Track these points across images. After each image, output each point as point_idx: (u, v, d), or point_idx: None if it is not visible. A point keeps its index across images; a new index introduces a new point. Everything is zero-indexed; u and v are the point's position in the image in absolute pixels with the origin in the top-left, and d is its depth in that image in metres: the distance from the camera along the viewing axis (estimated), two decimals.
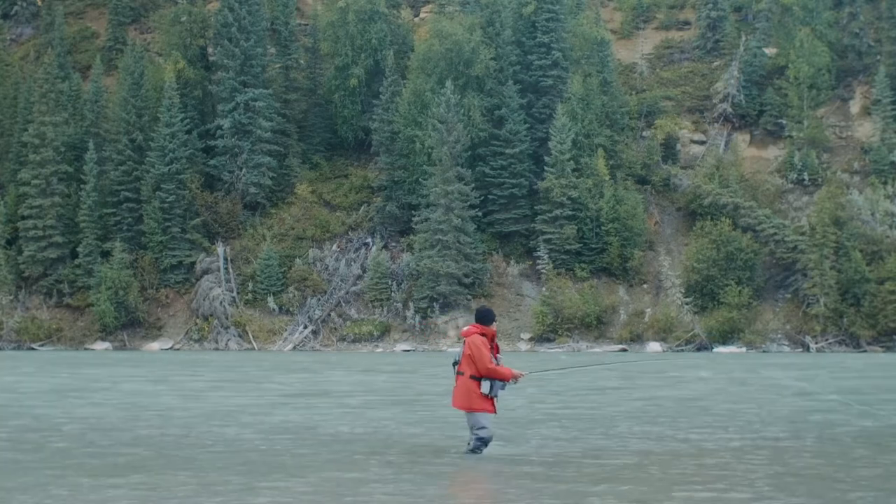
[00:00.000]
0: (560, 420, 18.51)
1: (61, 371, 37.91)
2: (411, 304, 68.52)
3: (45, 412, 19.99)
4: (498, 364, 13.28)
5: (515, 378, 13.37)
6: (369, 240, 73.56)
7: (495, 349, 13.47)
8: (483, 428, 13.31)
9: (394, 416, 19.11)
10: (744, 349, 63.94)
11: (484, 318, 13.56)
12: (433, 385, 28.45)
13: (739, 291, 65.28)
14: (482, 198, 70.42)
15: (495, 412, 13.45)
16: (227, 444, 14.78)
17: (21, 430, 16.61)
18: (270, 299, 69.86)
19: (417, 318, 68.01)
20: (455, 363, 13.46)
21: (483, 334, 13.38)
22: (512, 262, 71.27)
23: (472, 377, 13.22)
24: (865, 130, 75.05)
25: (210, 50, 79.14)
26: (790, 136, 74.26)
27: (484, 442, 13.35)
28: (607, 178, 70.82)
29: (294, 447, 14.49)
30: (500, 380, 13.24)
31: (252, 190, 73.64)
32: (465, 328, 13.61)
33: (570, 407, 21.60)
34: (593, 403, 22.82)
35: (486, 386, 13.19)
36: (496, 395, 13.28)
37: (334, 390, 27.22)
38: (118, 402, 22.63)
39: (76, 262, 72.03)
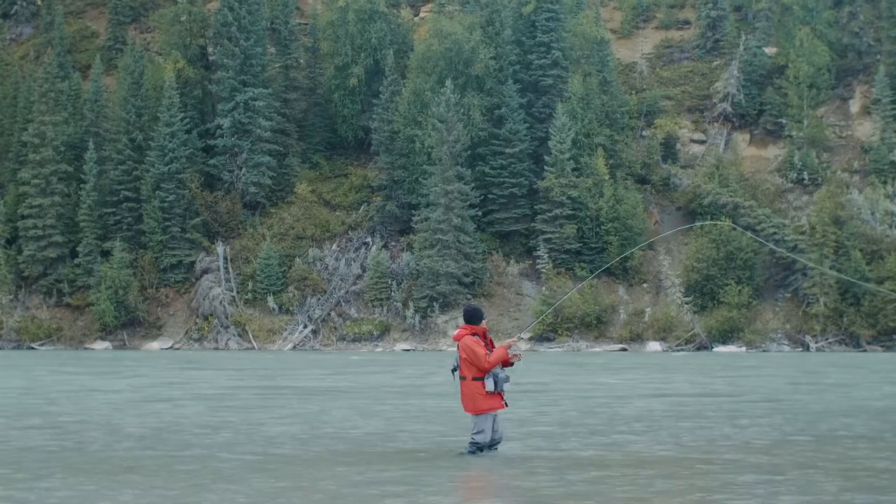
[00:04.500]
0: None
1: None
2: (411, 304, 68.46)
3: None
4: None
5: (516, 351, 13.45)
6: (369, 239, 73.52)
7: (490, 343, 13.51)
8: (480, 433, 13.37)
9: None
10: (743, 349, 63.92)
11: (472, 317, 13.59)
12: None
13: (739, 291, 65.24)
14: (482, 197, 70.38)
15: (505, 406, 13.49)
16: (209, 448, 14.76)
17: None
18: (270, 299, 69.82)
19: (417, 317, 67.97)
20: (454, 370, 13.47)
21: (474, 333, 13.41)
22: (512, 261, 71.23)
23: (474, 379, 13.26)
24: (865, 130, 75.01)
25: (210, 49, 79.08)
26: (790, 136, 74.21)
27: (478, 446, 13.37)
28: (607, 177, 70.76)
29: None
30: (504, 364, 13.29)
31: (252, 189, 73.61)
32: (456, 331, 13.62)
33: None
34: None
35: (489, 384, 13.23)
36: (502, 389, 13.32)
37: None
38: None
39: (76, 261, 72.00)
